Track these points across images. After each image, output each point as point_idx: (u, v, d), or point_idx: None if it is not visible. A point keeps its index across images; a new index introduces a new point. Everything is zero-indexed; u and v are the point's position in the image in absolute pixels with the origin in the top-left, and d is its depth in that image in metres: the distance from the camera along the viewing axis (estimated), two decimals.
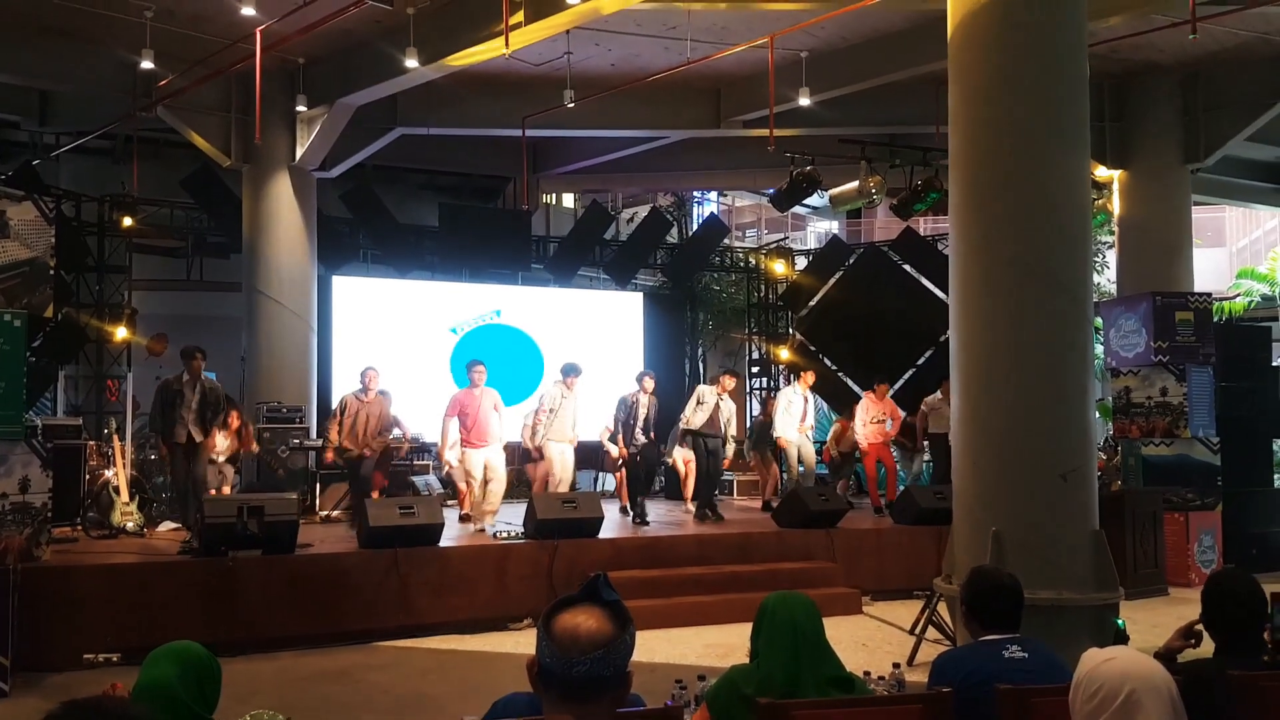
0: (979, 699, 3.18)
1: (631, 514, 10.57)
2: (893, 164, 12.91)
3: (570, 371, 10.44)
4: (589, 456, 12.53)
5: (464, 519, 10.51)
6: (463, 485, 10.75)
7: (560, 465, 10.41)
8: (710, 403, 10.74)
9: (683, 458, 12.18)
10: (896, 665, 4.16)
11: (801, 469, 11.75)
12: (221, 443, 10.60)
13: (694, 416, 10.75)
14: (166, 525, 10.19)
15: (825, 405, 14.22)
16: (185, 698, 2.59)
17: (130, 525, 9.69)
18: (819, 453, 12.75)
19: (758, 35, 10.65)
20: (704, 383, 11.58)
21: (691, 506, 11.62)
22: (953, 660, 3.54)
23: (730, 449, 11.02)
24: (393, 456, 11.36)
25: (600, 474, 14.98)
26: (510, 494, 12.42)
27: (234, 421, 10.80)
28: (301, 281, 13.20)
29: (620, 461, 11.04)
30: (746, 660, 3.26)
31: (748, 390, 17.78)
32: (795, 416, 11.73)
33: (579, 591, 1.99)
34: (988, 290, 6.89)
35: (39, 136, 16.02)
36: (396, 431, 11.46)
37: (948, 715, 3.13)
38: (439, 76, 11.46)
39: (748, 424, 15.28)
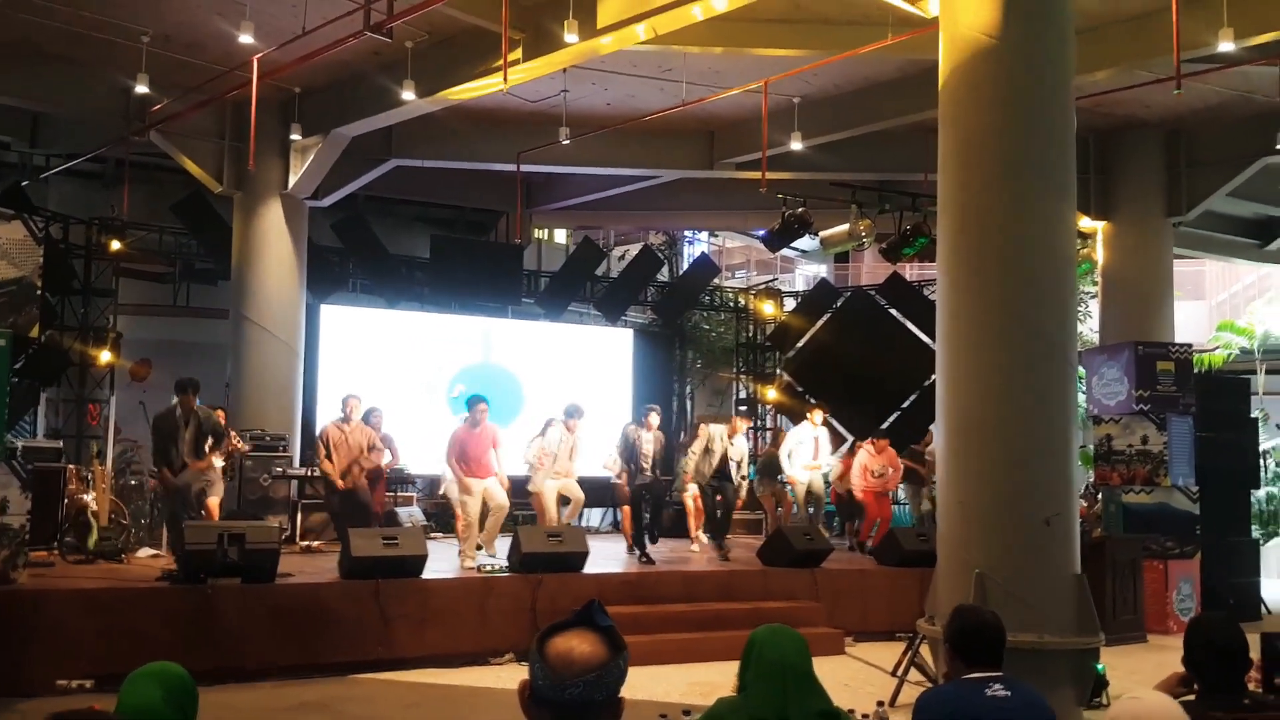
0: None
1: (637, 553, 10.39)
2: (882, 209, 13.06)
3: (573, 414, 10.44)
4: (601, 493, 12.40)
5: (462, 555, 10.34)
6: (460, 511, 10.66)
7: (553, 502, 10.40)
8: (719, 450, 10.71)
9: (692, 494, 12.08)
10: (880, 703, 4.16)
11: (810, 510, 11.79)
12: (217, 463, 10.50)
13: (702, 464, 10.71)
14: (145, 551, 10.09)
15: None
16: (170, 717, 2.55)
17: (107, 550, 9.58)
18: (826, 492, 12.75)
19: (752, 80, 10.81)
20: (711, 424, 11.48)
21: (695, 547, 11.44)
22: (935, 698, 3.55)
23: (743, 487, 11.04)
24: (381, 481, 11.25)
25: (611, 509, 14.76)
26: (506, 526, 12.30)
27: (232, 444, 10.72)
28: (290, 310, 13.18)
29: (627, 497, 10.97)
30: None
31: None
32: (805, 455, 11.73)
33: (573, 616, 2.00)
34: (973, 336, 6.97)
35: (29, 157, 16.02)
36: (387, 456, 11.37)
37: None
38: (435, 109, 11.55)
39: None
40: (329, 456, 9.81)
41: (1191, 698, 3.49)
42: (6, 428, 8.11)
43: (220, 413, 10.83)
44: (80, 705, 1.80)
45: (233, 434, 10.97)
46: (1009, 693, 3.35)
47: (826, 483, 12.60)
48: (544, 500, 10.46)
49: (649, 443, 10.50)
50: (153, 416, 9.38)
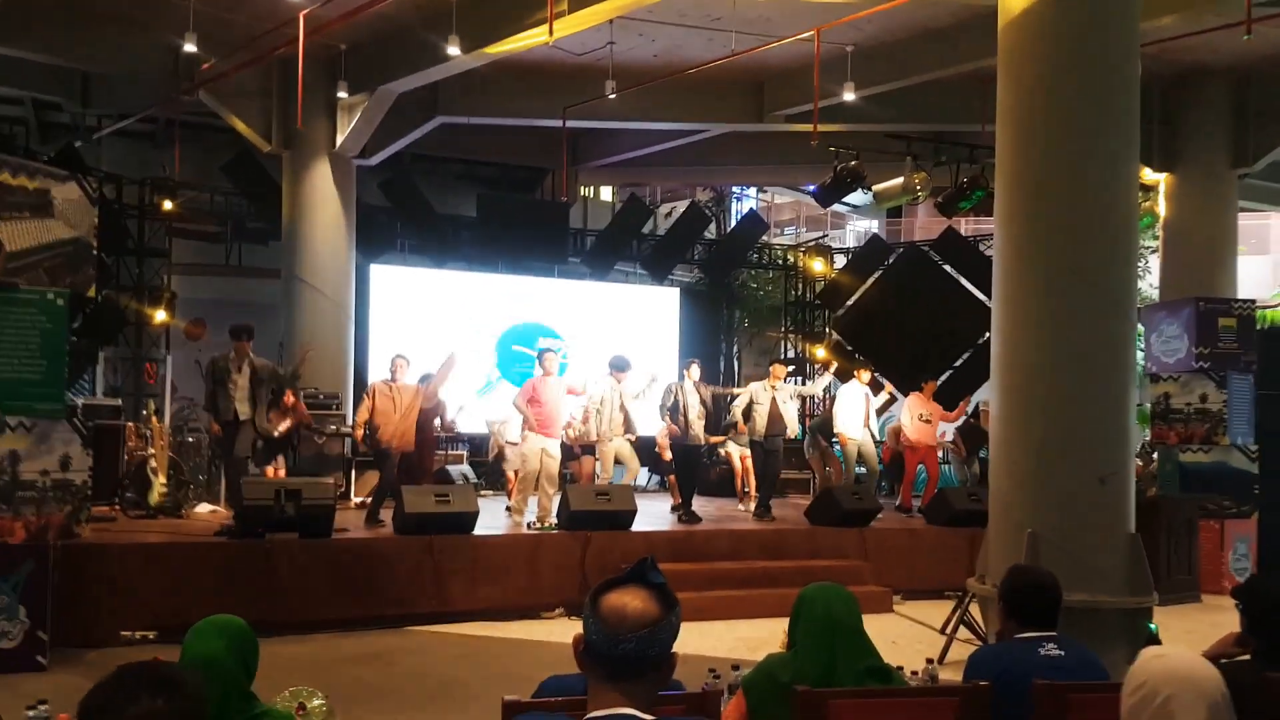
0: (1014, 695, 3.15)
1: (680, 512, 10.35)
2: (938, 161, 12.74)
3: (619, 366, 10.12)
4: (650, 453, 12.34)
5: (510, 510, 10.22)
6: (512, 473, 10.64)
7: (608, 462, 10.19)
8: (765, 401, 10.51)
9: (739, 454, 11.93)
10: (930, 660, 4.12)
11: (862, 469, 11.59)
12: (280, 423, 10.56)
13: (755, 423, 10.52)
14: (204, 507, 10.27)
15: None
16: (235, 669, 2.65)
17: (167, 505, 9.78)
18: (879, 451, 12.52)
19: (803, 28, 10.54)
20: (753, 381, 11.37)
21: (743, 506, 11.41)
22: (988, 656, 3.51)
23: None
24: (433, 445, 11.25)
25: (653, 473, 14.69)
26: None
27: (288, 399, 10.68)
28: (340, 269, 13.26)
29: (670, 465, 10.86)
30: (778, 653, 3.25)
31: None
32: (859, 413, 11.52)
33: (626, 573, 2.01)
34: (1031, 293, 6.88)
35: (81, 118, 16.16)
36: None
37: (984, 709, 3.12)
38: (480, 65, 11.46)
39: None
40: (370, 409, 9.72)
41: (1247, 658, 3.41)
42: (67, 386, 8.25)
43: (289, 395, 10.82)
44: (143, 656, 1.84)
45: (298, 403, 10.92)
46: (1063, 652, 3.30)
47: (877, 443, 12.39)
48: (605, 458, 10.21)
49: (692, 393, 10.37)
50: (208, 360, 9.43)
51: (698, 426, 10.39)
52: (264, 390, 9.08)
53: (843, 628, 3.07)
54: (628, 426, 10.15)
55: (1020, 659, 3.27)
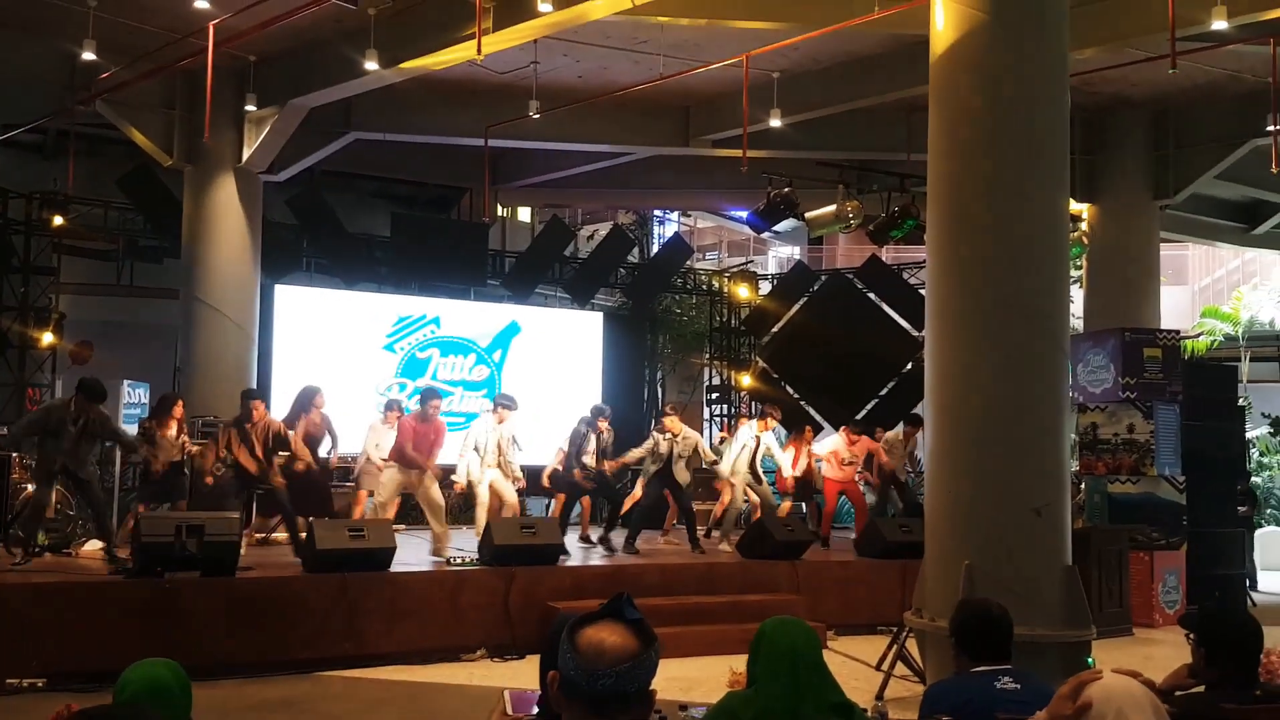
0: None
1: (608, 544, 10.22)
2: (868, 189, 12.74)
3: (505, 404, 9.92)
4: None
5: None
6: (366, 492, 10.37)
7: (493, 495, 9.88)
8: (665, 450, 10.37)
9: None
10: (880, 698, 4.01)
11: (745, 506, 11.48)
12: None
13: (650, 466, 10.51)
14: (92, 545, 9.57)
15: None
16: (181, 699, 2.65)
17: (54, 543, 9.11)
18: (773, 482, 12.19)
19: (730, 54, 10.54)
20: (653, 429, 11.28)
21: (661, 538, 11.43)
22: (945, 691, 3.51)
23: (710, 463, 10.95)
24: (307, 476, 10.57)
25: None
26: (458, 519, 11.88)
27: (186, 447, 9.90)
28: (243, 290, 12.65)
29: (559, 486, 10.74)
30: (714, 694, 3.25)
31: (706, 418, 17.46)
32: (743, 461, 10.99)
33: (602, 609, 2.00)
34: (964, 323, 6.89)
35: None
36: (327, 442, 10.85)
37: None
38: (398, 80, 11.10)
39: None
40: (217, 450, 9.16)
41: (1200, 690, 3.53)
42: None
43: (179, 405, 10.10)
44: (35, 705, 1.57)
45: (185, 438, 10.14)
46: (1019, 685, 3.33)
47: (771, 475, 12.03)
48: (476, 492, 9.91)
49: (592, 442, 10.33)
50: (46, 402, 8.86)
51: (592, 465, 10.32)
52: (96, 445, 8.63)
53: (806, 662, 3.03)
54: (505, 469, 9.83)
55: (977, 693, 3.29)
